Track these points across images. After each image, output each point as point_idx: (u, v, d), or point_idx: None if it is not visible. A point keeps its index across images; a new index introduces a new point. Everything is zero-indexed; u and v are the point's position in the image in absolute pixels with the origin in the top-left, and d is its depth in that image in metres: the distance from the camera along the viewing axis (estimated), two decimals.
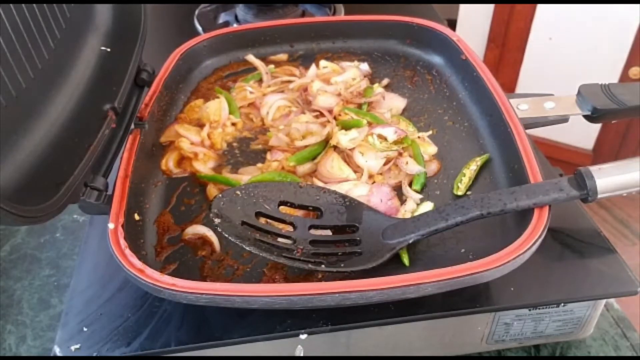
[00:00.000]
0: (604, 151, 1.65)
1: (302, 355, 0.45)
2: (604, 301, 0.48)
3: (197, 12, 0.94)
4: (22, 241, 0.65)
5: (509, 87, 1.69)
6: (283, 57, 0.75)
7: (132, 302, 0.47)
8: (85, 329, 0.45)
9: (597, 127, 1.65)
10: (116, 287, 0.48)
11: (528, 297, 0.46)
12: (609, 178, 0.45)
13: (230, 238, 0.44)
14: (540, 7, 1.54)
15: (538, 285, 0.46)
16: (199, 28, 0.90)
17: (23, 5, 0.42)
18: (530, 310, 0.47)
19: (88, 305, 0.47)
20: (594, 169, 0.45)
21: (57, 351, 0.44)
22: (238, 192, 0.48)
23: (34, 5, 0.44)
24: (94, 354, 0.43)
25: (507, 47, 1.66)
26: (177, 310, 0.46)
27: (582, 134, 1.69)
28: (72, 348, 0.44)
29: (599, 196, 0.45)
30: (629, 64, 1.49)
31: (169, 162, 0.58)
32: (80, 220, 0.67)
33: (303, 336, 0.43)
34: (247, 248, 0.44)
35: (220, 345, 0.44)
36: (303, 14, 0.92)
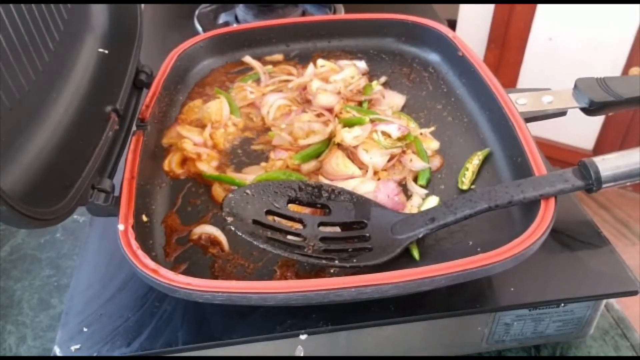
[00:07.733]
0: (605, 151, 1.64)
1: (302, 355, 0.45)
2: (604, 301, 0.48)
3: (197, 12, 0.94)
4: (22, 241, 0.65)
5: (509, 87, 1.68)
6: (279, 57, 0.74)
7: (132, 302, 0.47)
8: (85, 329, 0.45)
9: (597, 127, 1.65)
10: (116, 288, 0.48)
11: (528, 297, 0.46)
12: (613, 168, 0.46)
13: (243, 236, 0.44)
14: (540, 7, 1.54)
15: (538, 285, 0.46)
16: (199, 28, 0.90)
17: (22, 6, 0.42)
18: (530, 310, 0.47)
19: (88, 305, 0.47)
20: (597, 159, 0.46)
21: (57, 351, 0.44)
22: (248, 191, 0.48)
23: (33, 6, 0.44)
24: (94, 354, 0.43)
25: (507, 47, 1.66)
26: (177, 311, 0.46)
27: (582, 134, 1.69)
28: (72, 348, 0.44)
29: (604, 186, 0.46)
30: (629, 64, 1.49)
31: (171, 163, 0.58)
32: (81, 220, 0.67)
33: (303, 336, 0.43)
34: (261, 246, 0.44)
35: (220, 346, 0.44)
36: (303, 14, 0.92)
